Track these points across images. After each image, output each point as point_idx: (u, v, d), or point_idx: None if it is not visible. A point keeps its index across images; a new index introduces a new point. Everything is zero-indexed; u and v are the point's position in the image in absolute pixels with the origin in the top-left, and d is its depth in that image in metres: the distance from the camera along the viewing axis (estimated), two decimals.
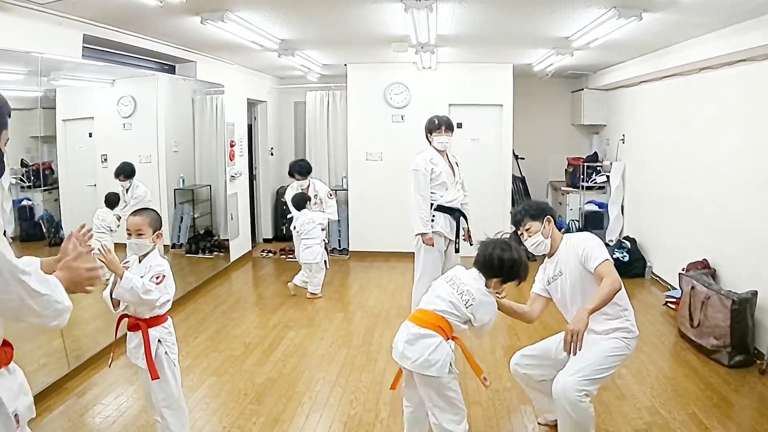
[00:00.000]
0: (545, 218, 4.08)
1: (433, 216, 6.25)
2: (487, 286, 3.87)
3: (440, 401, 3.77)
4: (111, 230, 6.57)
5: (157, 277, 3.75)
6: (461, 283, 3.87)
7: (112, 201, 6.77)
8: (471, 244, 6.18)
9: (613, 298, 3.74)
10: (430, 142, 6.34)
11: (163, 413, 3.91)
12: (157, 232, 3.83)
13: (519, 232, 4.14)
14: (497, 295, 3.94)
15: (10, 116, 2.35)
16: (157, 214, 3.93)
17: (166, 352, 3.90)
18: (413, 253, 6.58)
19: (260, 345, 6.23)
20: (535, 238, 4.08)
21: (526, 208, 4.16)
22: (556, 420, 4.41)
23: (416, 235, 6.31)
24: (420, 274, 6.36)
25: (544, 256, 4.20)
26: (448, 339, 3.77)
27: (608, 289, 3.68)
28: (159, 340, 3.86)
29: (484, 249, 3.91)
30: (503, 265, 3.83)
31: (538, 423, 4.63)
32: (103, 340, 5.70)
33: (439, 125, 6.25)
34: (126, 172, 6.89)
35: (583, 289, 3.94)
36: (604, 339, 3.94)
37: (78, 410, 4.72)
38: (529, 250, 4.10)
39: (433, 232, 6.25)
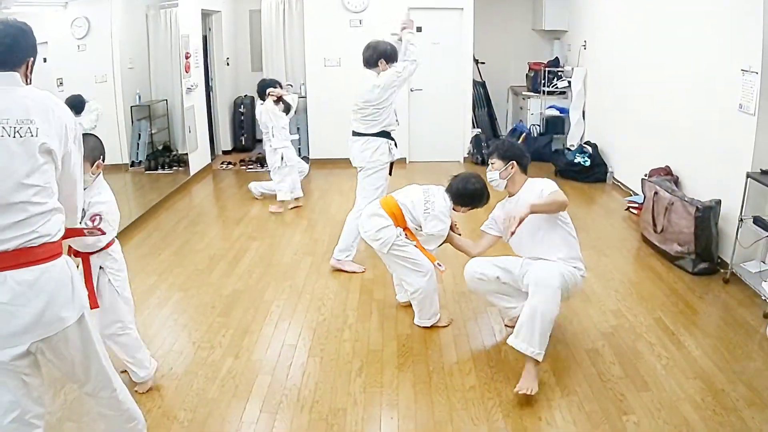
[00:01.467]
0: (510, 162, 4.30)
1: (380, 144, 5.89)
2: (455, 210, 4.59)
3: (402, 264, 4.62)
4: None
5: (93, 220, 3.49)
6: (433, 195, 4.57)
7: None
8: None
9: (557, 209, 4.09)
10: (381, 68, 5.66)
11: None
12: (96, 163, 3.49)
13: (488, 163, 4.47)
14: (456, 230, 4.71)
15: None
16: (95, 140, 3.56)
17: (109, 281, 3.70)
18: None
19: (225, 257, 6.19)
20: (493, 175, 4.36)
21: (500, 145, 4.42)
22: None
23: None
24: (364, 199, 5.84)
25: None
26: (398, 227, 4.56)
27: (556, 197, 4.04)
28: (101, 267, 3.67)
29: (458, 182, 4.54)
30: (473, 195, 4.52)
31: (505, 325, 4.69)
32: None
33: (397, 56, 5.84)
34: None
35: (539, 226, 4.18)
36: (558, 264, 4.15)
37: None
38: (488, 182, 4.47)
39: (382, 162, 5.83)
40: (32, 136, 2.43)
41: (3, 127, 2.39)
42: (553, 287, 3.88)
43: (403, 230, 4.59)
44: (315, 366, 4.18)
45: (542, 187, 4.18)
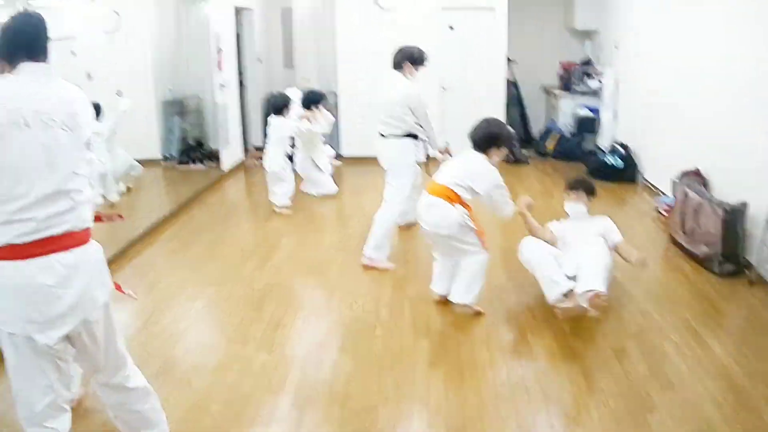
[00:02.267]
0: (591, 197, 5.28)
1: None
2: (492, 158, 4.77)
3: (462, 247, 4.73)
4: None
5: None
6: (466, 160, 4.82)
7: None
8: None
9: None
10: (406, 71, 5.80)
11: None
12: None
13: (568, 193, 5.29)
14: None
15: None
16: None
17: None
18: None
19: (257, 252, 6.26)
20: (578, 207, 5.22)
21: (585, 182, 5.40)
22: (574, 306, 4.56)
23: (432, 153, 6.25)
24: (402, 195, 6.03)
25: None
26: (455, 204, 4.62)
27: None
28: None
29: (477, 129, 4.82)
30: (496, 135, 4.77)
31: (558, 308, 4.66)
32: None
33: (423, 60, 5.92)
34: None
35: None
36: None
37: None
38: (567, 210, 5.29)
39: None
40: (80, 128, 2.58)
41: (53, 119, 2.50)
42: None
43: (462, 206, 4.68)
44: (347, 362, 4.23)
45: (607, 226, 5.19)
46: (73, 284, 2.57)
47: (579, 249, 4.82)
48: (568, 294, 4.58)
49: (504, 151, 4.86)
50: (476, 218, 4.73)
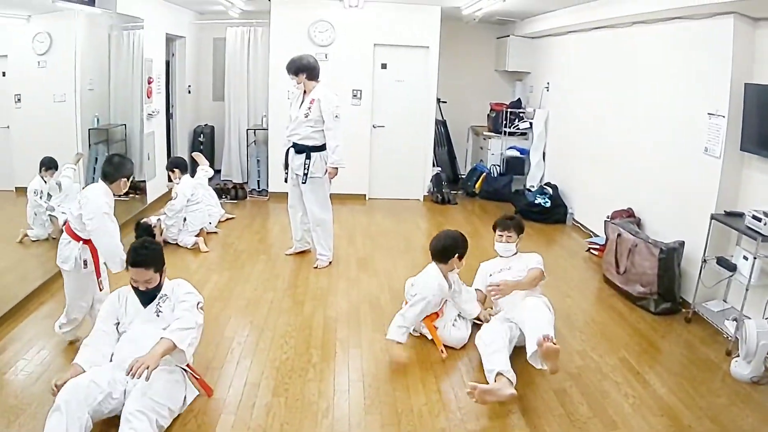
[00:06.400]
0: (521, 236, 5.30)
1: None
2: (450, 267, 5.00)
3: None
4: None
5: None
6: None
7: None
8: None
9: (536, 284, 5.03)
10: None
11: None
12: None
13: (499, 233, 5.29)
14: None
15: None
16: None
17: None
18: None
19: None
20: (509, 246, 5.26)
21: (518, 223, 5.32)
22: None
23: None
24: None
25: None
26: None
27: (537, 273, 5.02)
28: None
29: (436, 243, 5.01)
30: (456, 245, 4.98)
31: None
32: (20, 292, 5.51)
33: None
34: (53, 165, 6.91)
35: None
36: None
37: None
38: (497, 249, 5.32)
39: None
40: None
41: None
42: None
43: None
44: (280, 406, 4.06)
45: (530, 258, 5.23)
46: None
47: (517, 310, 4.74)
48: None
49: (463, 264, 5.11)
50: None
